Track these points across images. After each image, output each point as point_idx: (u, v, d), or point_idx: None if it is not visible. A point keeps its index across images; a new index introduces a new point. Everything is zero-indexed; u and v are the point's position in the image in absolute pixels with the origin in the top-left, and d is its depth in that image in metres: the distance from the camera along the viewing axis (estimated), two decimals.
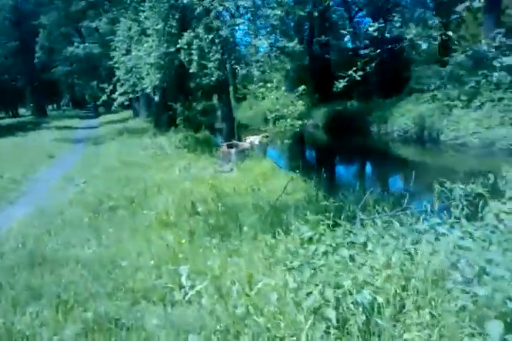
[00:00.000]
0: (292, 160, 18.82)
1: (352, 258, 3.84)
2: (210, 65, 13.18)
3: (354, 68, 6.34)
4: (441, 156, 21.30)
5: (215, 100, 54.29)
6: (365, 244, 4.07)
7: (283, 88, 12.92)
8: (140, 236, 6.32)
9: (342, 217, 5.40)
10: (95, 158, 15.77)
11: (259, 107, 43.09)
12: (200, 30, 13.25)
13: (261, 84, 12.98)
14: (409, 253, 3.81)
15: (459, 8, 21.96)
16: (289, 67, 13.26)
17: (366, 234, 4.25)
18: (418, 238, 4.02)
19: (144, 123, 27.79)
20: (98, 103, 22.23)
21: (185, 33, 13.36)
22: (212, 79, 13.31)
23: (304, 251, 4.39)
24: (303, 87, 12.87)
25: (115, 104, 16.59)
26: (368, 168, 21.34)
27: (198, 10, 13.20)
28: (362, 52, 37.33)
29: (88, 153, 17.66)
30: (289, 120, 12.58)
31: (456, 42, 28.07)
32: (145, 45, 14.57)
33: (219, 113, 49.60)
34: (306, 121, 13.29)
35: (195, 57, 13.20)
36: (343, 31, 34.86)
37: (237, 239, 5.71)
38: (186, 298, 4.40)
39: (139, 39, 15.72)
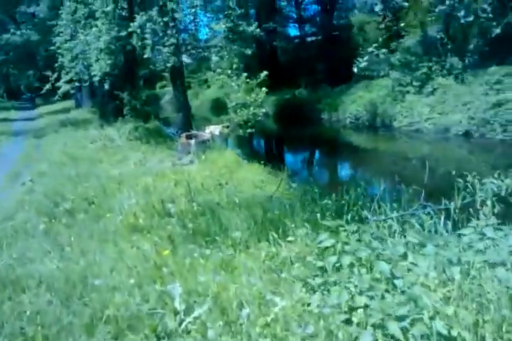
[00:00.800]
0: (249, 150, 18.13)
1: (393, 275, 3.16)
2: (166, 50, 12.22)
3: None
4: (395, 142, 21.16)
5: (158, 89, 52.89)
6: (404, 255, 3.40)
7: (244, 74, 12.15)
8: (109, 246, 5.41)
9: (347, 218, 4.73)
10: (39, 153, 14.43)
11: (205, 96, 42.12)
12: (153, 12, 12.24)
13: (220, 70, 12.17)
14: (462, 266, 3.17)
15: None
16: (249, 53, 12.49)
17: (405, 242, 3.59)
18: (463, 245, 3.39)
19: (88, 114, 26.15)
20: (42, 92, 20.62)
21: (138, 16, 12.34)
22: (168, 65, 12.38)
23: (321, 263, 3.70)
24: (265, 72, 12.17)
25: (59, 92, 15.31)
26: (324, 156, 20.85)
27: None
28: (309, 39, 37.09)
29: (30, 146, 16.21)
30: (251, 108, 11.87)
31: (404, 29, 28.11)
32: (93, 29, 13.41)
33: (163, 102, 48.30)
34: (265, 109, 12.55)
35: (149, 42, 12.21)
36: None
37: (227, 247, 4.93)
38: (183, 326, 3.61)
39: (87, 23, 14.50)
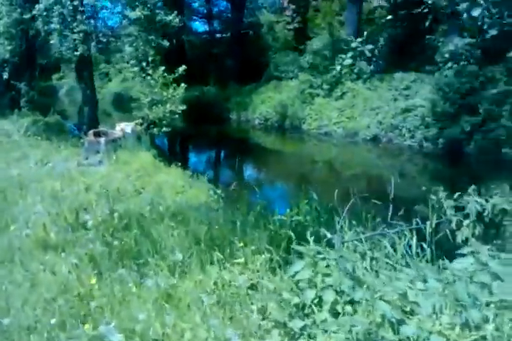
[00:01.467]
0: (162, 150, 17.08)
1: (398, 320, 2.61)
2: (75, 36, 11.02)
3: None
4: (303, 145, 21.13)
5: (54, 80, 49.59)
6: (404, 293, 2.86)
7: (162, 68, 11.26)
8: (16, 269, 4.43)
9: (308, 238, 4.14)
10: None
11: (106, 90, 40.04)
12: None
13: (133, 62, 11.21)
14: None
15: None
16: (167, 45, 11.63)
17: (407, 273, 3.05)
18: (459, 277, 2.93)
19: None
20: None
21: None
22: (76, 53, 11.16)
23: (297, 299, 3.09)
24: (183, 67, 11.37)
25: None
26: (230, 158, 20.09)
27: None
28: (218, 35, 36.40)
29: None
30: (167, 105, 11.03)
31: (312, 30, 28.37)
32: None
33: (60, 94, 45.38)
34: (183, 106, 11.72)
35: (56, 27, 10.92)
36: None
37: (164, 272, 4.16)
38: None
39: None
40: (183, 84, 11.26)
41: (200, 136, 22.96)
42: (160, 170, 9.86)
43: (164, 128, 11.27)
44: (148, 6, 11.77)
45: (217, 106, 27.69)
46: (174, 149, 22.52)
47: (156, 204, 6.63)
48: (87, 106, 14.30)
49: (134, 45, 11.75)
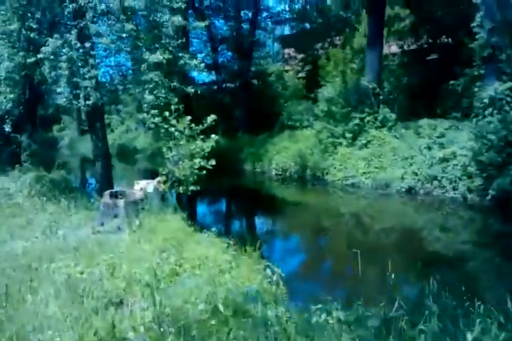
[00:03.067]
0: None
1: None
2: (86, 83, 9.53)
3: None
4: (328, 197, 19.33)
5: (55, 131, 48.35)
6: None
7: (188, 117, 9.73)
8: None
9: None
10: None
11: (109, 141, 38.70)
12: (72, 35, 9.57)
13: (154, 112, 9.70)
14: None
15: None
16: (192, 91, 10.25)
17: None
18: None
19: None
20: None
21: (51, 39, 9.59)
22: (89, 103, 9.64)
23: None
24: (213, 116, 9.85)
25: None
26: (259, 217, 18.11)
27: (69, 8, 9.55)
28: (224, 85, 35.44)
29: None
30: (197, 160, 9.41)
31: (324, 78, 27.29)
32: None
33: (61, 146, 44.03)
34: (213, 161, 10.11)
35: (65, 72, 9.46)
36: None
37: None
38: None
39: None
40: (213, 136, 9.70)
41: (214, 190, 21.04)
42: (192, 238, 8.10)
43: (192, 187, 9.57)
44: (170, 49, 10.42)
45: (230, 158, 26.14)
46: (188, 207, 20.69)
47: (211, 297, 4.87)
48: (99, 161, 12.62)
49: (155, 92, 10.27)
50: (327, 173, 20.57)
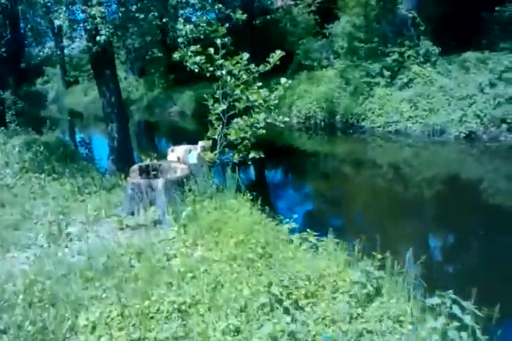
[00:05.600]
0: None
1: None
2: (93, 11, 6.49)
3: None
4: (367, 147, 16.44)
5: (38, 84, 44.41)
6: None
7: (246, 55, 6.80)
8: None
9: None
10: None
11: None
12: None
13: (196, 48, 6.75)
14: None
15: None
16: (243, 18, 7.35)
17: None
18: None
19: None
20: None
21: None
22: (99, 39, 6.65)
23: None
24: (280, 51, 6.94)
25: None
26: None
27: None
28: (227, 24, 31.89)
29: None
30: (260, 115, 6.56)
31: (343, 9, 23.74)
32: None
33: (48, 102, 40.46)
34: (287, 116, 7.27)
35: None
36: None
37: None
38: None
39: None
40: (284, 79, 6.83)
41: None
42: (282, 237, 5.34)
43: (253, 153, 6.77)
44: None
45: None
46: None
47: None
48: (114, 124, 9.61)
49: (194, 20, 7.22)
50: (363, 119, 17.72)
